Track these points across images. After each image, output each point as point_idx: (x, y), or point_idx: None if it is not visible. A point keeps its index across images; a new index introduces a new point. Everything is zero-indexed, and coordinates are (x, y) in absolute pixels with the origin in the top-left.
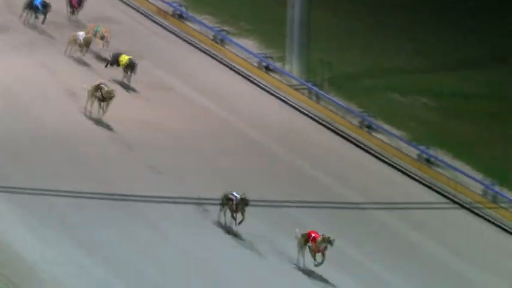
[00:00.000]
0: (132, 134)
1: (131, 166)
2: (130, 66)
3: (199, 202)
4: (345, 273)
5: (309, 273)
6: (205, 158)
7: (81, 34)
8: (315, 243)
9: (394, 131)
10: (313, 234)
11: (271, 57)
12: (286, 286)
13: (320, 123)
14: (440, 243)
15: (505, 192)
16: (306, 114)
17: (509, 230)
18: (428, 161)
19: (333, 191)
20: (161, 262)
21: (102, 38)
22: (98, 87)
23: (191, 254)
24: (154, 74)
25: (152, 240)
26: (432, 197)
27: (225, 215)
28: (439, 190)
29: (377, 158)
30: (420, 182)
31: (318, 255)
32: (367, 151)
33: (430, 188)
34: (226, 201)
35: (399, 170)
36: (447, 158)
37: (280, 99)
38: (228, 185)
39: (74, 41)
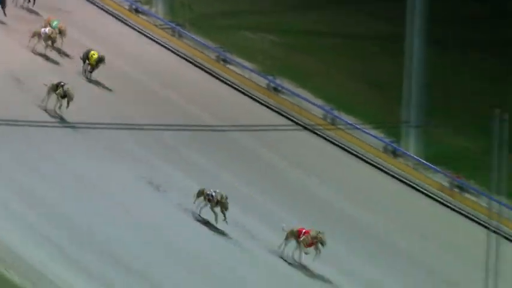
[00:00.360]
0: None
1: None
2: (100, 61)
3: None
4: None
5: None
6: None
7: (46, 30)
8: (308, 236)
9: (246, 63)
10: (303, 230)
11: (140, 1)
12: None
13: (183, 58)
14: (286, 160)
15: (342, 115)
16: (170, 50)
17: (345, 148)
18: (275, 89)
19: (195, 117)
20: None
21: (60, 32)
22: (57, 86)
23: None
24: None
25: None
26: (281, 120)
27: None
28: (286, 115)
29: (232, 87)
30: (270, 108)
31: (309, 249)
32: (224, 82)
33: (278, 113)
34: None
35: (251, 98)
36: (292, 87)
37: (148, 37)
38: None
39: (38, 35)
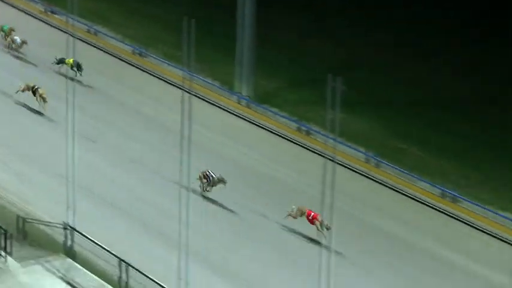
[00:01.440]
0: None
1: None
2: (76, 66)
3: None
4: None
5: None
6: None
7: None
8: (316, 218)
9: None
10: (312, 213)
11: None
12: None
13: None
14: None
15: None
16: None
17: None
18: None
19: None
20: None
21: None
22: (32, 88)
23: None
24: None
25: None
26: None
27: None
28: None
29: None
30: None
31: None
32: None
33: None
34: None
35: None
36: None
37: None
38: None
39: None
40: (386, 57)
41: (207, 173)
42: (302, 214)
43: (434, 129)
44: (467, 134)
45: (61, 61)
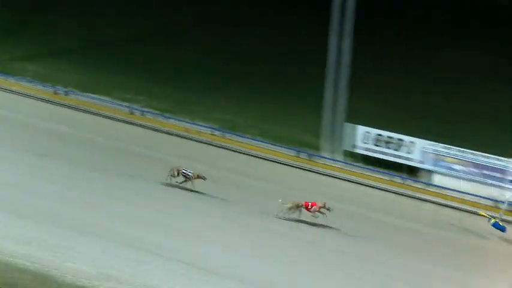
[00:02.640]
0: None
1: None
2: None
3: None
4: None
5: None
6: None
7: None
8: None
9: None
10: (310, 203)
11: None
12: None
13: None
14: None
15: None
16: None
17: None
18: None
19: None
20: None
21: None
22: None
23: None
24: None
25: None
26: None
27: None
28: None
29: None
30: None
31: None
32: None
33: None
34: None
35: None
36: None
37: None
38: None
39: None
40: None
41: (183, 170)
42: (299, 207)
43: None
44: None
45: None
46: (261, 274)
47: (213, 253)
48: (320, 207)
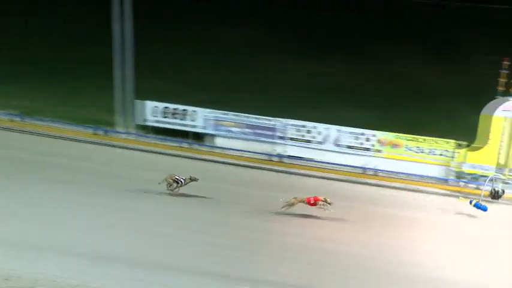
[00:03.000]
0: None
1: None
2: None
3: None
4: None
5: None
6: None
7: None
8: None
9: None
10: (311, 198)
11: None
12: None
13: None
14: None
15: None
16: None
17: None
18: None
19: None
20: None
21: None
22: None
23: None
24: None
25: None
26: None
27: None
28: None
29: None
30: None
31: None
32: None
33: None
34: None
35: None
36: None
37: None
38: None
39: None
40: None
41: (176, 177)
42: (299, 202)
43: None
44: None
45: None
46: None
47: None
48: (322, 201)
